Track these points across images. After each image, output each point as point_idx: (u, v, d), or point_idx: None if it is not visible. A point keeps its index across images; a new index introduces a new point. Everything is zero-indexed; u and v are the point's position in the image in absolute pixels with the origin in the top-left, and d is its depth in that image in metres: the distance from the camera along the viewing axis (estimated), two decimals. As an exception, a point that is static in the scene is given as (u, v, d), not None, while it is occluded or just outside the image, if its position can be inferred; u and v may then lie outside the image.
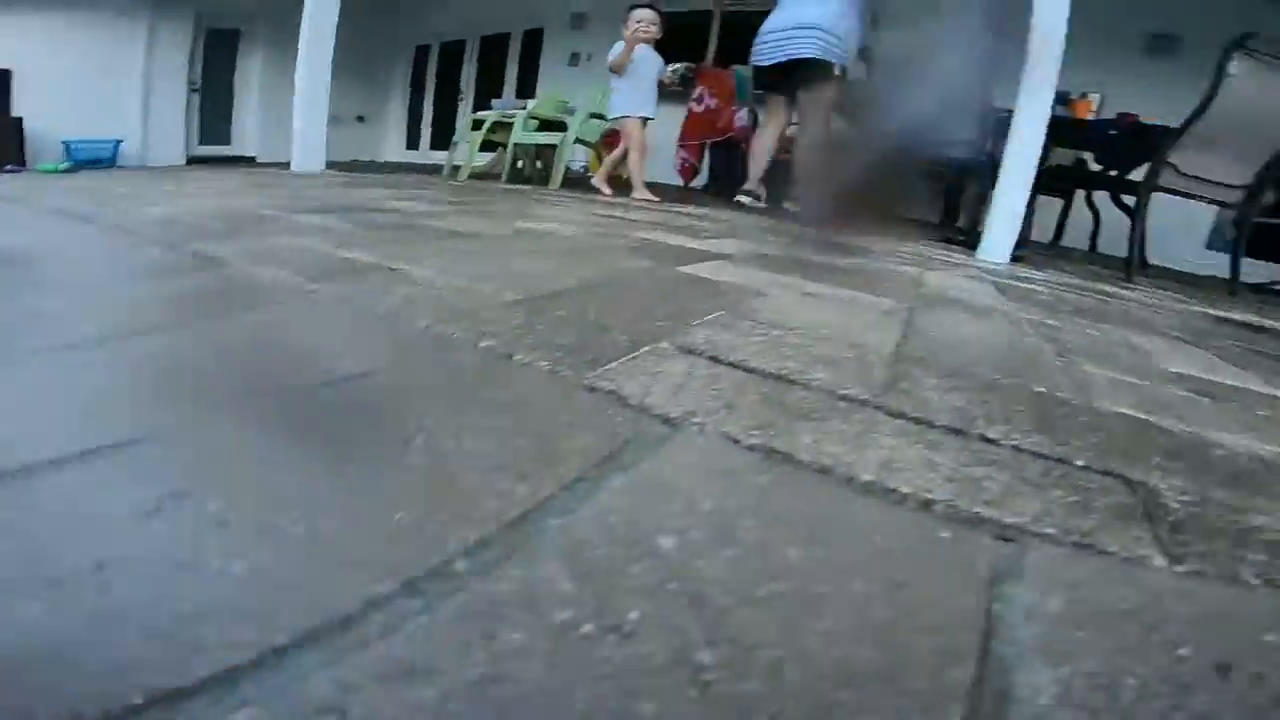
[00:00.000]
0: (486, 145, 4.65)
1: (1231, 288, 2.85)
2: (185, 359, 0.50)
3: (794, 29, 3.41)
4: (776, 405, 0.49)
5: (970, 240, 2.96)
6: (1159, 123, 3.11)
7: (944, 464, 0.43)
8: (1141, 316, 1.46)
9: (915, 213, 5.55)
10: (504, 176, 4.32)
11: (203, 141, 7.45)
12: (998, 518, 0.37)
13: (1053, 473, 0.45)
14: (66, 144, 6.06)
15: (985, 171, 3.33)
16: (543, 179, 4.59)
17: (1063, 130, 3.31)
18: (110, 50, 6.59)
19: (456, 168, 4.69)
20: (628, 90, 3.64)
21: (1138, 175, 3.05)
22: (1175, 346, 1.09)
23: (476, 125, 4.61)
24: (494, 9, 8.15)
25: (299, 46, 4.28)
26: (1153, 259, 3.25)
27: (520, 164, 4.76)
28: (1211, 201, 2.85)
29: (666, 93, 4.08)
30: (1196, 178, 2.70)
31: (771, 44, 3.36)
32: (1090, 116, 3.90)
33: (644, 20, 3.55)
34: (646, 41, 3.55)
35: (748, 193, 3.64)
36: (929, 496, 0.39)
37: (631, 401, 0.47)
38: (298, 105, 4.21)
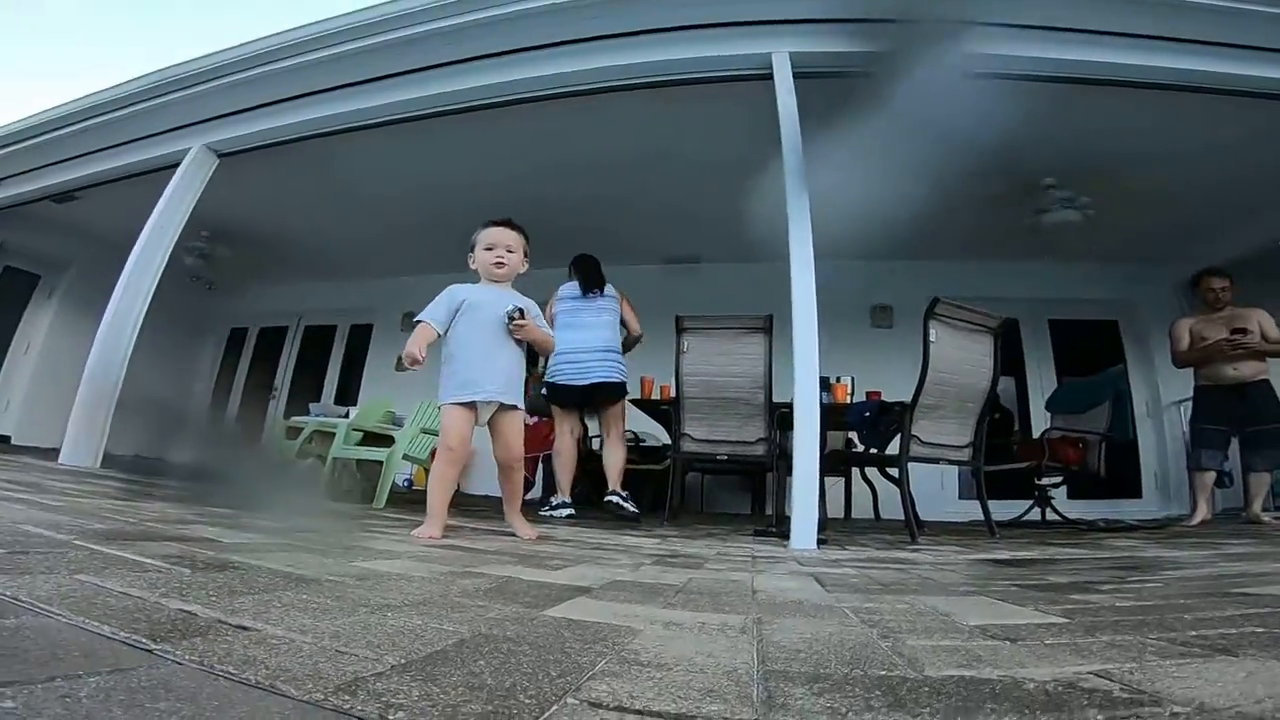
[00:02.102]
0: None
1: (990, 528, 3.41)
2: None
3: (592, 353, 4.02)
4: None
5: (781, 530, 3.31)
6: (895, 399, 3.89)
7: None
8: (936, 579, 1.72)
9: (729, 506, 6.13)
10: (323, 493, 4.11)
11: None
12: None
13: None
14: None
15: (782, 460, 3.88)
16: (365, 494, 4.42)
17: (831, 416, 3.95)
18: None
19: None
20: (449, 359, 2.44)
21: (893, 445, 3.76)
22: (969, 602, 1.32)
23: (292, 432, 4.47)
24: (323, 298, 8.14)
25: (107, 307, 4.08)
26: (924, 515, 3.80)
27: (338, 476, 4.58)
28: (952, 462, 3.52)
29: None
30: (935, 444, 3.36)
31: (575, 367, 3.96)
32: (848, 399, 4.39)
33: (497, 246, 2.50)
34: (502, 279, 2.52)
35: (617, 504, 3.91)
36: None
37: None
38: (85, 382, 3.81)
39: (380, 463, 4.11)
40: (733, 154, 4.20)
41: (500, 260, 2.47)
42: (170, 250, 4.56)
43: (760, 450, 3.86)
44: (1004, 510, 4.07)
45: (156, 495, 2.84)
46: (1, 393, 6.57)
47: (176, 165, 4.72)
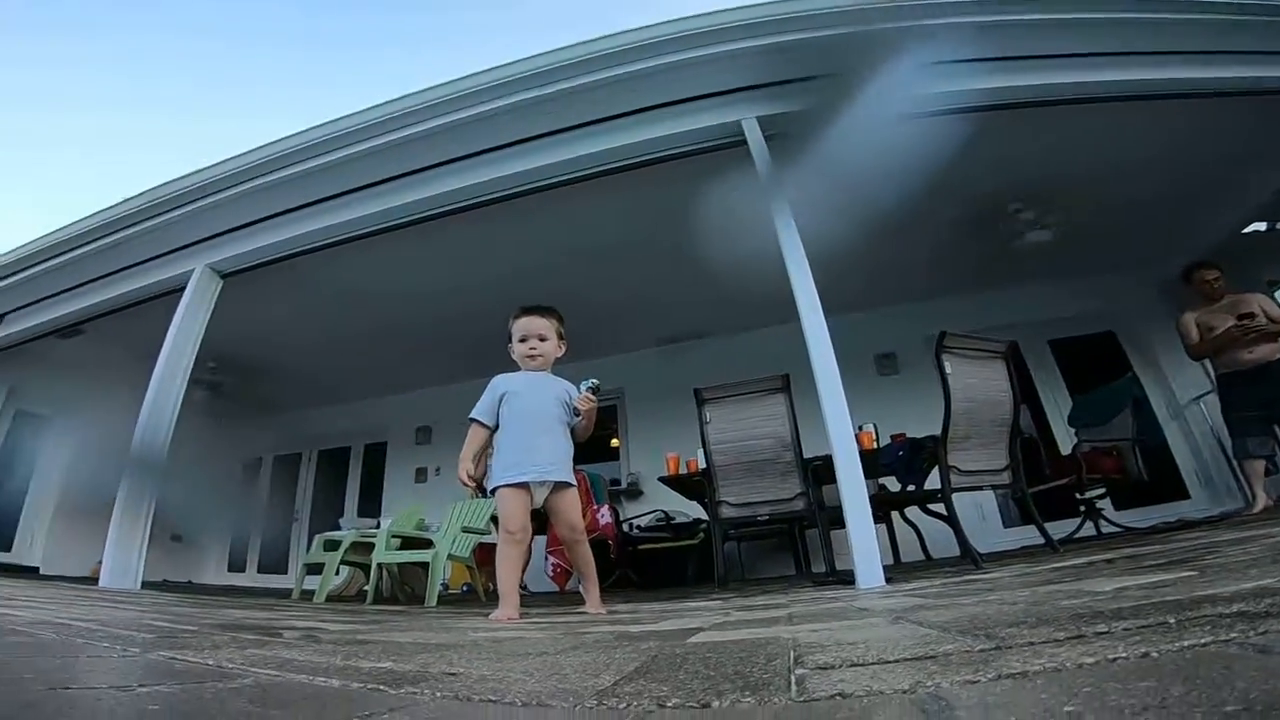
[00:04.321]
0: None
1: (1051, 545, 3.37)
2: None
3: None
4: None
5: (839, 577, 3.29)
6: (921, 436, 3.92)
7: None
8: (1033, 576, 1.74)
9: (772, 569, 6.04)
10: (370, 597, 4.04)
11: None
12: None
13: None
14: None
15: (822, 512, 3.89)
16: (411, 598, 4.37)
17: (864, 462, 3.97)
18: None
19: (309, 591, 4.33)
20: (500, 447, 2.51)
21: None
22: (1091, 582, 1.35)
23: (330, 545, 4.44)
24: (334, 422, 8.15)
25: (131, 449, 4.03)
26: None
27: (380, 584, 4.52)
28: (993, 487, 3.53)
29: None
30: (974, 471, 3.39)
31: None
32: (874, 446, 4.43)
33: (529, 337, 2.55)
34: (538, 369, 2.55)
35: None
36: None
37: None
38: (116, 518, 3.81)
39: (425, 565, 4.09)
40: (709, 224, 4.29)
41: (533, 352, 2.52)
42: (185, 383, 4.42)
43: (800, 505, 3.87)
44: (1053, 530, 4.03)
45: (223, 604, 2.83)
46: (26, 526, 6.70)
47: (181, 289, 4.65)
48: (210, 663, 0.92)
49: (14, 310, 5.81)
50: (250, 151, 4.51)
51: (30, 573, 6.26)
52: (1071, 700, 0.48)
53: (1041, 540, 3.52)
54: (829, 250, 3.59)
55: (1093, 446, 4.51)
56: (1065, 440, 5.78)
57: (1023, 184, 5.01)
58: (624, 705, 0.62)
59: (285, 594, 4.72)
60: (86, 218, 5.07)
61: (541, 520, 2.62)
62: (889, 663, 0.68)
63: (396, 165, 4.33)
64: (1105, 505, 4.84)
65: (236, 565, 8.13)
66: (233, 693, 0.71)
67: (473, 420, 2.49)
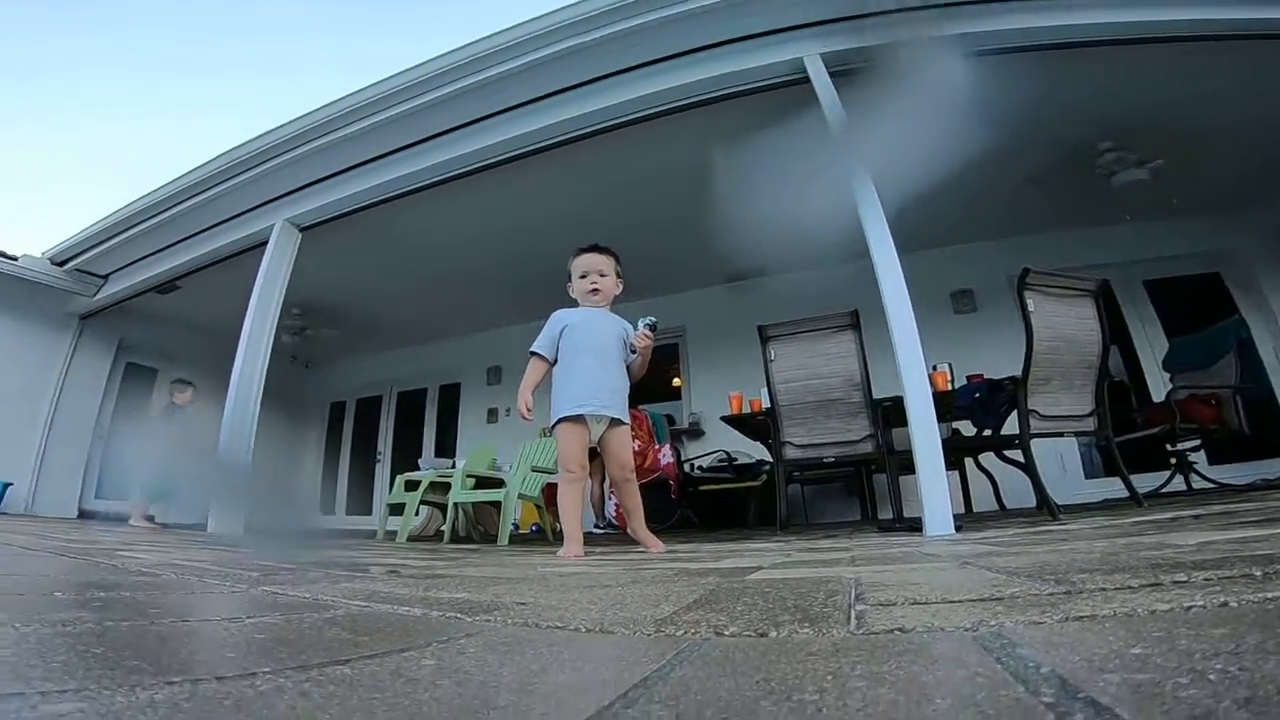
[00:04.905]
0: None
1: (1135, 498, 3.18)
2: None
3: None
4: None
5: (906, 524, 3.24)
6: (999, 378, 3.76)
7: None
8: (1113, 528, 1.67)
9: (836, 515, 6.03)
10: (446, 536, 4.28)
11: (98, 495, 6.78)
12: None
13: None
14: (-52, 479, 5.39)
15: (891, 456, 3.82)
16: (484, 538, 4.59)
17: (938, 405, 3.84)
18: (26, 367, 6.27)
19: (392, 532, 4.62)
20: (558, 380, 2.55)
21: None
22: (1176, 535, 1.29)
23: (410, 486, 4.68)
24: (410, 365, 8.53)
25: (226, 400, 4.41)
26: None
27: (456, 524, 4.74)
28: (1076, 434, 3.35)
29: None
30: (1056, 416, 3.23)
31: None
32: (949, 387, 4.24)
33: (590, 273, 2.61)
34: (598, 304, 2.60)
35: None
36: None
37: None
38: (219, 462, 4.19)
39: (497, 505, 4.26)
40: (775, 162, 4.19)
41: (595, 287, 2.58)
42: (274, 330, 4.76)
43: (868, 447, 3.79)
44: (1139, 484, 3.78)
45: (316, 545, 3.06)
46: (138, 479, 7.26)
47: (263, 244, 4.96)
48: (307, 596, 1.01)
49: (116, 270, 6.36)
50: (321, 109, 4.66)
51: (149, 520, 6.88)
52: (1140, 643, 0.46)
53: (1125, 493, 3.32)
54: (902, 188, 3.43)
55: (1190, 394, 4.20)
56: (1159, 387, 5.43)
57: (1115, 123, 4.63)
58: (682, 633, 0.64)
59: (370, 535, 5.06)
60: (173, 181, 5.41)
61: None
62: (952, 602, 0.68)
63: (461, 114, 4.41)
64: (1199, 459, 4.54)
65: (327, 508, 8.77)
66: (328, 622, 0.77)
67: (533, 353, 2.56)
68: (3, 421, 6.02)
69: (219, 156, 5.13)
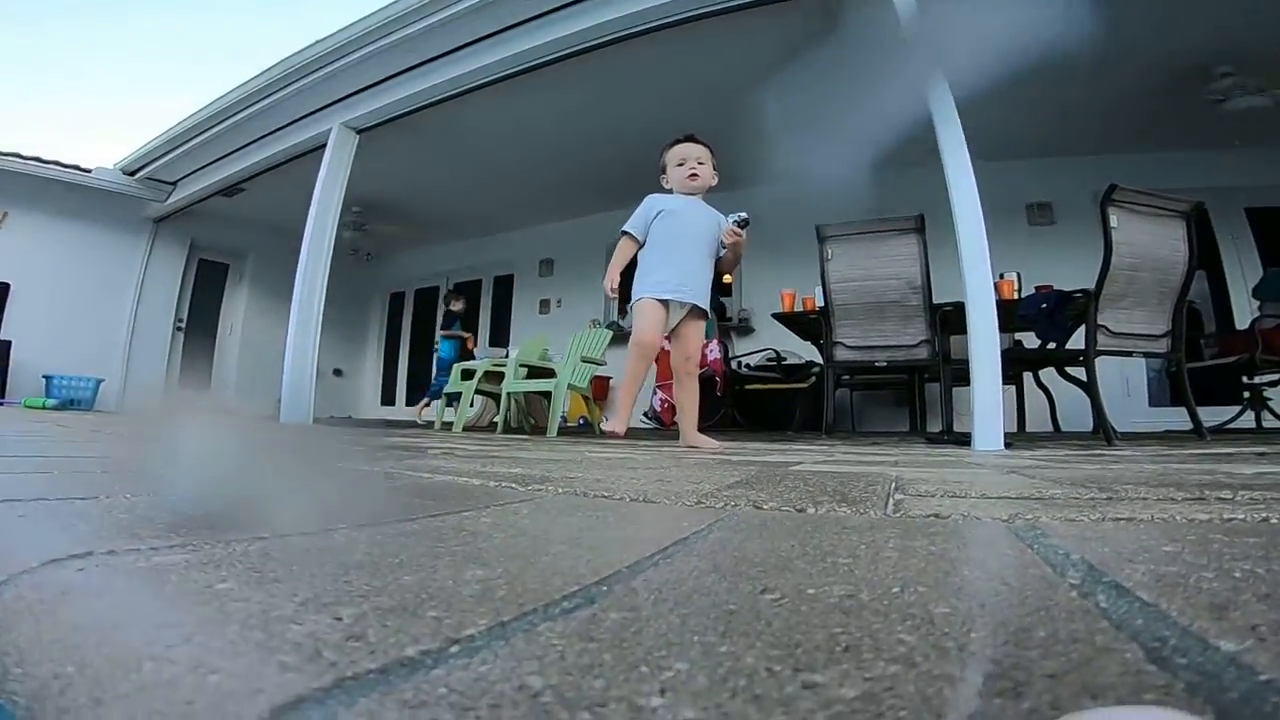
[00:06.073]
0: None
1: (1199, 431, 3.02)
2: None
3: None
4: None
5: (954, 437, 3.21)
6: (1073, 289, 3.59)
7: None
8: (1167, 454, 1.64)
9: (885, 423, 6.02)
10: (500, 427, 4.44)
11: (182, 386, 7.23)
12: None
13: None
14: (48, 379, 5.91)
15: (946, 364, 3.73)
16: (534, 430, 4.74)
17: (1001, 314, 3.65)
18: (108, 269, 6.81)
19: (448, 423, 4.84)
20: (645, 263, 2.55)
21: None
22: (1230, 466, 1.27)
23: (466, 375, 4.85)
24: (466, 256, 8.75)
25: (293, 294, 4.68)
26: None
27: (508, 415, 4.85)
28: (1146, 354, 3.19)
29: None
30: (1126, 334, 3.07)
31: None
32: (1015, 296, 4.12)
33: (688, 160, 2.58)
34: (697, 190, 2.58)
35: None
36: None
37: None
38: (289, 355, 4.46)
39: (547, 395, 4.36)
40: (849, 59, 3.88)
41: (694, 172, 2.54)
42: (335, 228, 4.97)
43: (923, 353, 3.67)
44: (1206, 417, 3.57)
45: (379, 433, 3.29)
46: (222, 370, 7.91)
47: (321, 147, 5.08)
48: (377, 470, 1.10)
49: (184, 177, 6.64)
50: (375, 13, 4.58)
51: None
52: (1171, 543, 0.47)
53: (1188, 425, 3.17)
54: (982, 93, 3.17)
55: (1278, 323, 3.93)
56: (1244, 315, 5.08)
57: (1241, 46, 4.11)
58: (721, 505, 0.68)
59: (428, 425, 5.31)
60: (232, 90, 5.53)
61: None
62: (991, 498, 0.70)
63: (509, 15, 4.23)
64: (1276, 397, 4.28)
65: (388, 399, 9.25)
66: (397, 489, 0.87)
67: (625, 233, 2.55)
68: (90, 321, 6.53)
69: (277, 64, 5.18)
